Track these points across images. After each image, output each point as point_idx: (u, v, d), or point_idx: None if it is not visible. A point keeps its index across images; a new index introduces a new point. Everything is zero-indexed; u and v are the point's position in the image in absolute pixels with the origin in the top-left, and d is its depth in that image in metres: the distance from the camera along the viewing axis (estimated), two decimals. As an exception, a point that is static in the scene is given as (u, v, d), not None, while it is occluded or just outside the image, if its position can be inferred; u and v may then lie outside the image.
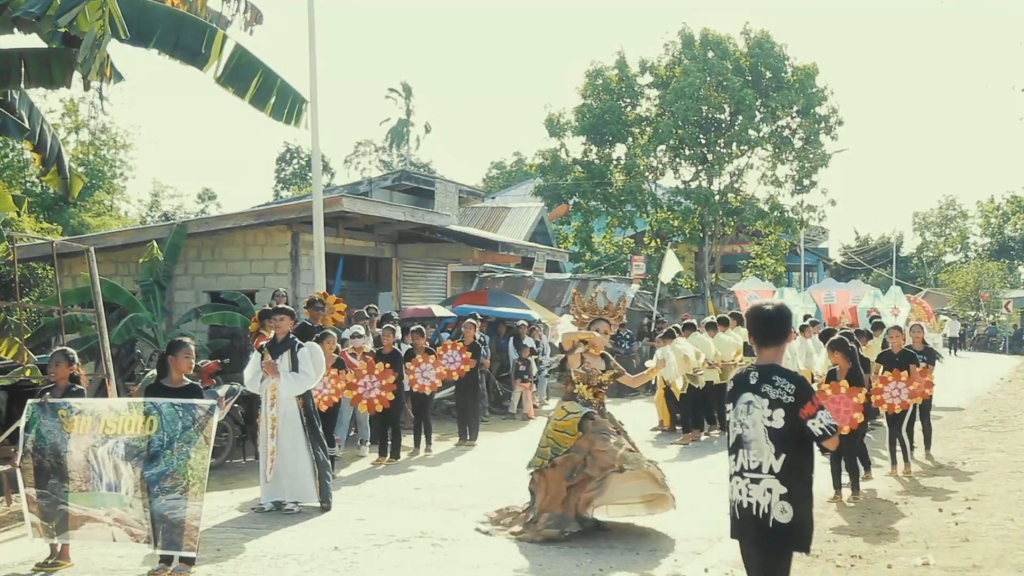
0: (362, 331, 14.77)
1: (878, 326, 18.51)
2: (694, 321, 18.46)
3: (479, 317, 18.11)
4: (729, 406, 5.64)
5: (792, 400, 5.35)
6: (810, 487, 5.46)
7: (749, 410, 5.46)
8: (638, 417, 17.66)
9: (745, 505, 5.44)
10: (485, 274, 28.89)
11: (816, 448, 5.46)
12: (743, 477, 5.46)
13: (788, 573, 5.53)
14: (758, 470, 5.40)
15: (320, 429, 10.80)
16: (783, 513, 5.33)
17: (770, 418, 5.37)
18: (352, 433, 14.92)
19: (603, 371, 9.91)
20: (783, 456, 5.35)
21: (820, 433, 5.32)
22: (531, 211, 38.89)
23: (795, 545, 5.42)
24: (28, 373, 11.83)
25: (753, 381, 5.50)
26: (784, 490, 5.34)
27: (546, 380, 22.22)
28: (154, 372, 13.48)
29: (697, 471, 12.96)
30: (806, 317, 20.52)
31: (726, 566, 8.30)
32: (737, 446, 5.53)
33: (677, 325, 17.89)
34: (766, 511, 5.36)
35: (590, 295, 10.71)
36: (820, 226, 45.57)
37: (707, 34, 38.83)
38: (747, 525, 5.45)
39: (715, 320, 18.21)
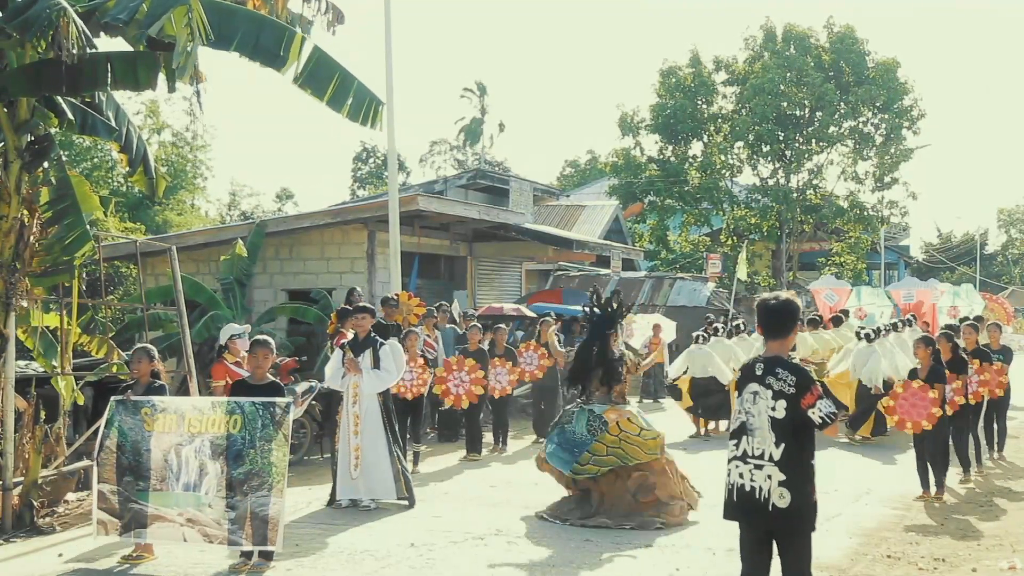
0: (240, 330, 12.73)
1: (979, 319, 18.15)
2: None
3: (555, 316, 18.15)
4: (735, 394, 5.96)
5: (793, 391, 5.63)
6: (810, 474, 5.72)
7: (755, 400, 5.76)
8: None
9: (748, 488, 5.72)
10: (560, 272, 28.88)
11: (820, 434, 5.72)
12: (745, 462, 5.75)
13: (809, 554, 5.74)
14: (760, 457, 5.70)
15: (397, 426, 10.89)
16: (781, 499, 5.62)
17: (773, 408, 5.67)
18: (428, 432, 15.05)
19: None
20: (783, 445, 5.65)
21: (820, 421, 5.61)
22: (606, 209, 38.76)
23: (799, 527, 5.69)
24: (115, 369, 12.11)
25: (759, 372, 5.79)
26: (783, 477, 5.64)
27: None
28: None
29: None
30: (905, 321, 19.90)
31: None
32: (740, 432, 5.82)
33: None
34: (767, 496, 5.65)
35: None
36: (902, 223, 44.81)
37: (790, 29, 38.47)
38: (748, 507, 5.73)
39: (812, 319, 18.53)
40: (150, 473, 8.12)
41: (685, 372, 16.84)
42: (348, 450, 10.49)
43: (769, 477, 5.64)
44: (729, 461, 5.86)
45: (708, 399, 16.67)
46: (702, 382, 16.58)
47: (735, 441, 5.83)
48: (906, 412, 11.05)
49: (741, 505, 5.75)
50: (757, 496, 5.66)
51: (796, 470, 5.64)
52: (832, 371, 16.40)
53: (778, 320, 5.84)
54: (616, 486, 9.93)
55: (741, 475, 5.75)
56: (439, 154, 74.52)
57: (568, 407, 10.60)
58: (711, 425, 17.01)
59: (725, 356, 17.01)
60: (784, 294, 6.02)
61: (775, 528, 5.71)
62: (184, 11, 8.67)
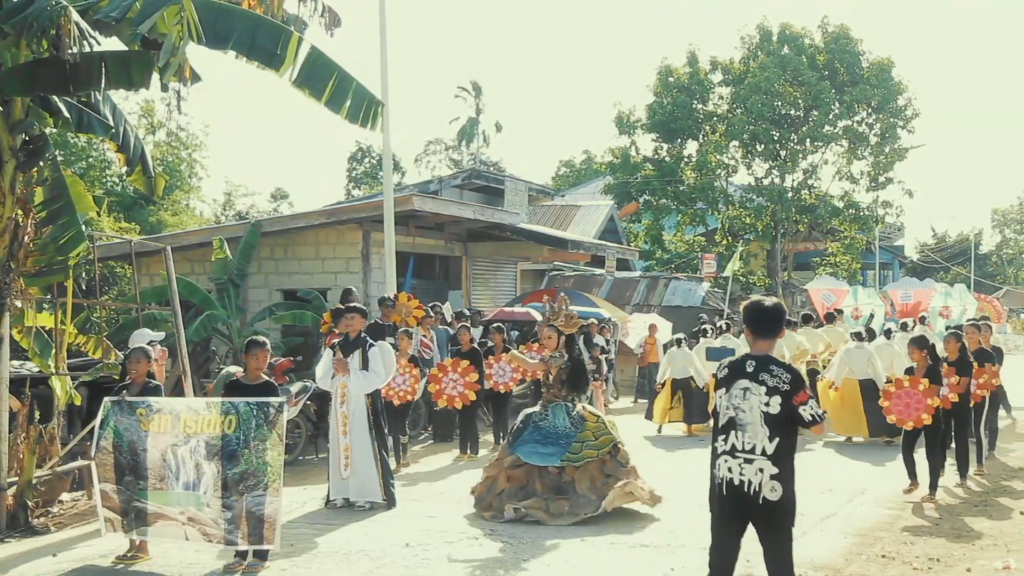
0: (155, 336, 11.89)
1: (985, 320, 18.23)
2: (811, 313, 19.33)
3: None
4: (721, 391, 6.03)
5: (788, 388, 5.79)
6: (794, 469, 5.87)
7: (745, 396, 5.87)
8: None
9: (736, 482, 5.82)
10: (555, 272, 28.88)
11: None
12: (734, 456, 5.85)
13: (791, 549, 5.91)
14: (751, 451, 5.81)
15: (385, 429, 10.88)
16: (773, 492, 5.76)
17: (767, 404, 5.80)
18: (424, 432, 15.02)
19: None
20: (776, 440, 5.78)
21: (810, 419, 5.79)
22: (601, 209, 38.77)
23: (785, 520, 5.84)
24: (110, 369, 12.08)
25: (750, 369, 5.91)
26: (775, 471, 5.77)
27: (615, 379, 22.16)
28: (229, 369, 13.76)
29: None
30: (904, 326, 19.96)
31: (800, 567, 8.19)
32: (728, 427, 5.91)
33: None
34: (757, 489, 5.78)
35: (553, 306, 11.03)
36: (897, 223, 44.90)
37: (786, 28, 38.57)
38: (737, 501, 5.83)
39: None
40: (148, 472, 8.11)
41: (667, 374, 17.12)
42: (338, 450, 10.50)
43: (760, 471, 5.76)
44: (717, 456, 5.94)
45: (691, 400, 16.96)
46: (682, 382, 16.94)
47: (723, 436, 5.92)
48: (903, 410, 11.09)
49: (731, 499, 5.85)
50: (747, 490, 5.78)
51: (786, 464, 5.79)
52: (826, 375, 16.45)
53: (770, 321, 6.03)
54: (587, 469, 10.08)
55: (730, 469, 5.84)
56: (434, 154, 74.64)
57: (527, 411, 10.68)
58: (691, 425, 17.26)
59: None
60: (774, 299, 6.29)
61: (762, 521, 5.83)
62: (176, 10, 8.64)
